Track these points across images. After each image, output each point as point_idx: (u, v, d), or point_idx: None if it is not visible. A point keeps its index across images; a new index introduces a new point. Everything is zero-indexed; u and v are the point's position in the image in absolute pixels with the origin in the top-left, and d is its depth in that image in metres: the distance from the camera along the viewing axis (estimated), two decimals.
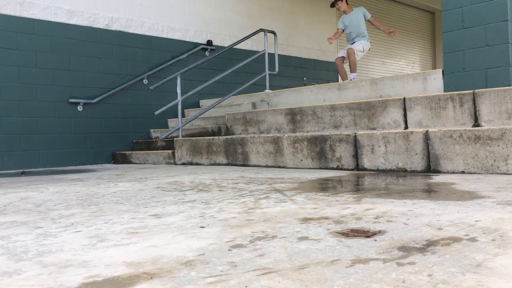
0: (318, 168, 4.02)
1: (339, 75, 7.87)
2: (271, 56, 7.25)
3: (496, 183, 2.54)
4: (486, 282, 0.93)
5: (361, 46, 6.79)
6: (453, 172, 3.23)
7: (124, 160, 6.31)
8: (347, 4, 6.97)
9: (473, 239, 1.28)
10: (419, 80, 4.72)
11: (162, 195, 2.54)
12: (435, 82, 4.56)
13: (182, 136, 5.95)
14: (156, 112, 5.96)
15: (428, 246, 1.23)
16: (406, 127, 3.99)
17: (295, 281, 0.98)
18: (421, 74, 4.76)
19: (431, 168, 3.35)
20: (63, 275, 1.09)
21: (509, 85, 3.95)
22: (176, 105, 5.92)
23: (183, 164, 5.39)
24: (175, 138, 5.63)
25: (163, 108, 5.97)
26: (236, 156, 4.78)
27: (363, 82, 5.27)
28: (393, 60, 12.05)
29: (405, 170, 3.49)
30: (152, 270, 1.11)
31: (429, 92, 4.57)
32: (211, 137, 5.11)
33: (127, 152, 6.30)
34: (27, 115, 5.70)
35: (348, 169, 3.82)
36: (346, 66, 6.94)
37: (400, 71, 11.93)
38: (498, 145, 3.03)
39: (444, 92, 4.31)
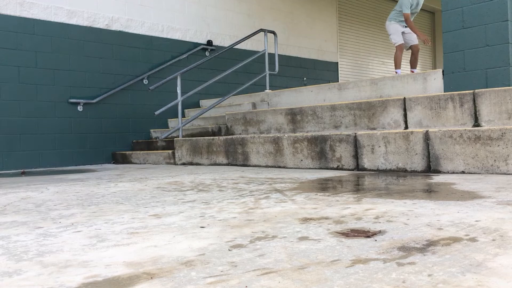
0: (318, 168, 4.01)
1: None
2: (271, 56, 7.25)
3: (496, 183, 2.54)
4: (486, 282, 0.93)
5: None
6: (453, 172, 3.23)
7: (124, 160, 6.31)
8: None
9: (473, 239, 1.28)
10: (419, 80, 4.72)
11: (162, 195, 2.54)
12: (435, 82, 4.56)
13: (182, 136, 5.95)
14: (156, 112, 5.95)
15: (428, 246, 1.23)
16: (406, 127, 3.99)
17: (295, 281, 0.98)
18: (421, 74, 4.76)
19: (431, 168, 3.35)
20: (63, 275, 1.09)
21: (509, 85, 3.95)
22: (176, 105, 5.92)
23: (183, 164, 5.38)
24: (175, 138, 5.62)
25: (163, 108, 5.97)
26: (236, 156, 4.78)
27: (363, 82, 5.27)
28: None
29: (405, 170, 3.49)
30: (152, 270, 1.11)
31: (429, 92, 4.57)
32: (211, 137, 5.11)
33: (127, 152, 6.30)
34: (27, 115, 5.70)
35: (348, 169, 3.82)
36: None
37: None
38: (498, 145, 3.03)
39: (444, 92, 4.31)
